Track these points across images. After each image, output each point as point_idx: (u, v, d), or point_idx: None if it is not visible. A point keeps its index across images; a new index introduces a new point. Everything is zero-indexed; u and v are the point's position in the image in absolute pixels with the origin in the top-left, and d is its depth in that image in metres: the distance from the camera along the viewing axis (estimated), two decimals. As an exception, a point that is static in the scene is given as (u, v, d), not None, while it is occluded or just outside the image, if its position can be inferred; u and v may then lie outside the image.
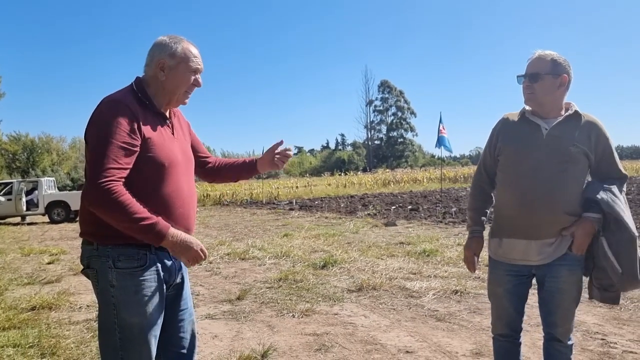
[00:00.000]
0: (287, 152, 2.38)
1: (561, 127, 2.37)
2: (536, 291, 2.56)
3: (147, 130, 1.97)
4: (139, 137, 1.93)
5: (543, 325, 2.54)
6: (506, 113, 2.58)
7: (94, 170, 1.84)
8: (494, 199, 2.65)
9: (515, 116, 2.52)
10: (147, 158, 1.95)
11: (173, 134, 2.12)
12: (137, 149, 1.93)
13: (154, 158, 1.97)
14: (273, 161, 2.37)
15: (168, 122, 2.12)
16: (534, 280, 2.54)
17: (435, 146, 16.10)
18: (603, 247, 2.33)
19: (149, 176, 1.97)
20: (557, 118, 2.40)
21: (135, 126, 1.92)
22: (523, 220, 2.38)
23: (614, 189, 2.35)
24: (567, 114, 2.40)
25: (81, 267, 2.08)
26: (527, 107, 2.48)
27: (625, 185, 2.47)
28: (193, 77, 2.10)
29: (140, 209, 1.84)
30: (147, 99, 2.04)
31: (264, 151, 2.40)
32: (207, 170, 2.47)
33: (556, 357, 2.50)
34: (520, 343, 2.64)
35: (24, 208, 18.17)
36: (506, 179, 2.47)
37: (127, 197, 1.83)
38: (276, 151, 2.37)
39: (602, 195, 2.31)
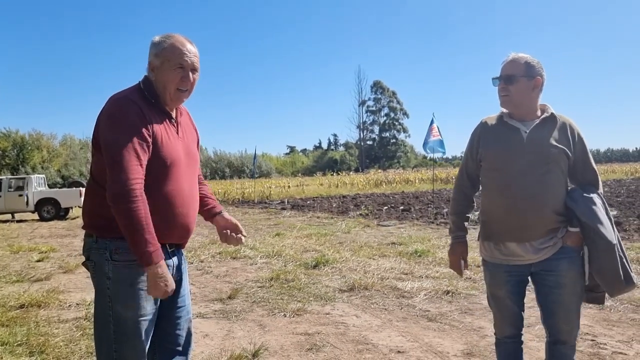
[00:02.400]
0: (239, 237, 2.37)
1: (540, 129, 2.39)
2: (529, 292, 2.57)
3: (152, 127, 1.98)
4: (150, 134, 1.96)
5: (545, 327, 2.52)
6: (484, 117, 2.59)
7: (117, 168, 1.87)
8: (475, 203, 2.66)
9: (493, 120, 2.53)
10: (151, 156, 1.96)
11: (178, 132, 2.12)
12: (150, 144, 1.96)
13: (156, 156, 1.98)
14: (226, 233, 2.34)
15: (173, 120, 2.12)
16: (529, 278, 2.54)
17: (425, 148, 16.05)
18: (583, 257, 2.37)
19: (151, 173, 1.97)
20: (535, 120, 2.42)
21: (145, 124, 1.95)
22: (511, 223, 2.39)
23: (595, 197, 2.37)
24: (543, 116, 2.43)
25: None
26: (505, 110, 2.49)
27: (601, 186, 2.48)
28: (179, 75, 2.05)
29: (151, 226, 1.88)
30: (153, 97, 2.06)
31: (222, 224, 2.36)
32: None
33: (558, 359, 2.49)
34: (522, 342, 2.63)
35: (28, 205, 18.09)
36: (491, 184, 2.48)
37: (146, 205, 1.87)
38: (232, 232, 2.35)
39: (581, 206, 2.33)
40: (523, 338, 2.64)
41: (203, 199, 2.38)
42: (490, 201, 2.50)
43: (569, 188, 2.46)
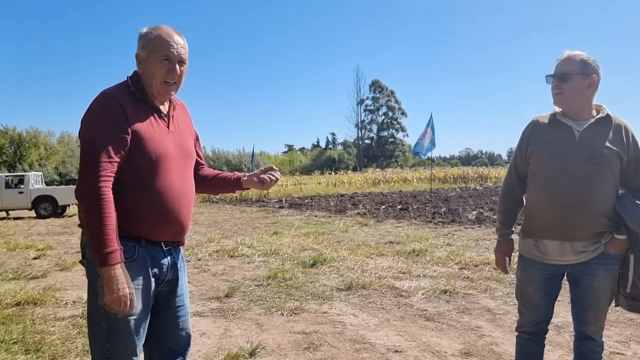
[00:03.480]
0: (275, 173, 2.31)
1: (593, 129, 2.36)
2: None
3: (135, 123, 1.95)
4: (128, 130, 1.92)
5: (574, 323, 2.54)
6: (535, 116, 2.56)
7: (86, 164, 1.87)
8: (524, 202, 2.63)
9: (545, 118, 2.50)
10: (136, 151, 1.94)
11: (168, 127, 2.09)
12: (128, 142, 1.92)
13: (141, 151, 1.95)
14: (260, 179, 2.29)
15: (163, 115, 2.08)
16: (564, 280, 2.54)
17: (415, 153, 15.97)
18: (628, 264, 2.34)
19: (138, 169, 1.95)
20: (589, 120, 2.38)
21: (124, 120, 1.92)
22: (556, 222, 2.37)
23: None
24: (598, 116, 2.39)
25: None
26: (557, 109, 2.46)
27: None
28: (167, 67, 2.01)
29: (112, 226, 1.84)
30: (139, 91, 2.02)
31: (253, 162, 2.32)
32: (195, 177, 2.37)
33: (588, 355, 2.50)
34: (544, 345, 2.63)
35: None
36: (538, 181, 2.45)
37: (110, 205, 1.85)
38: (266, 172, 2.31)
39: (631, 214, 2.29)
40: (545, 342, 2.64)
41: (218, 176, 2.35)
42: (536, 198, 2.48)
43: (621, 193, 2.43)
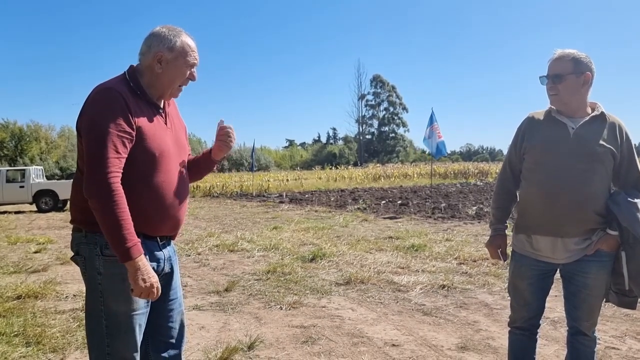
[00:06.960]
0: (223, 126, 2.25)
1: (588, 127, 2.37)
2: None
3: (138, 119, 1.95)
4: (133, 126, 1.92)
5: (567, 318, 2.56)
6: (531, 112, 2.58)
7: (95, 161, 1.84)
8: (517, 197, 2.65)
9: (540, 115, 2.51)
10: (138, 148, 1.94)
11: (166, 123, 2.11)
12: (133, 137, 1.92)
13: (144, 148, 1.95)
14: (220, 144, 2.28)
15: (161, 111, 2.10)
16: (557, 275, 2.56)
17: (430, 148, 15.90)
18: (620, 260, 2.36)
19: (140, 165, 1.95)
20: (584, 117, 2.40)
21: (129, 115, 1.92)
22: (548, 218, 2.39)
23: (639, 203, 2.33)
24: (593, 114, 2.40)
25: (68, 256, 2.08)
26: (553, 107, 2.48)
27: None
28: (189, 71, 2.08)
29: (129, 220, 1.84)
30: (139, 88, 2.02)
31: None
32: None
33: (581, 350, 2.53)
34: (537, 339, 2.66)
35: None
36: (532, 177, 2.47)
37: (123, 200, 1.84)
38: (217, 133, 2.28)
39: (624, 212, 2.30)
40: (537, 337, 2.67)
41: (194, 160, 2.35)
42: (529, 194, 2.50)
43: (613, 191, 2.45)
